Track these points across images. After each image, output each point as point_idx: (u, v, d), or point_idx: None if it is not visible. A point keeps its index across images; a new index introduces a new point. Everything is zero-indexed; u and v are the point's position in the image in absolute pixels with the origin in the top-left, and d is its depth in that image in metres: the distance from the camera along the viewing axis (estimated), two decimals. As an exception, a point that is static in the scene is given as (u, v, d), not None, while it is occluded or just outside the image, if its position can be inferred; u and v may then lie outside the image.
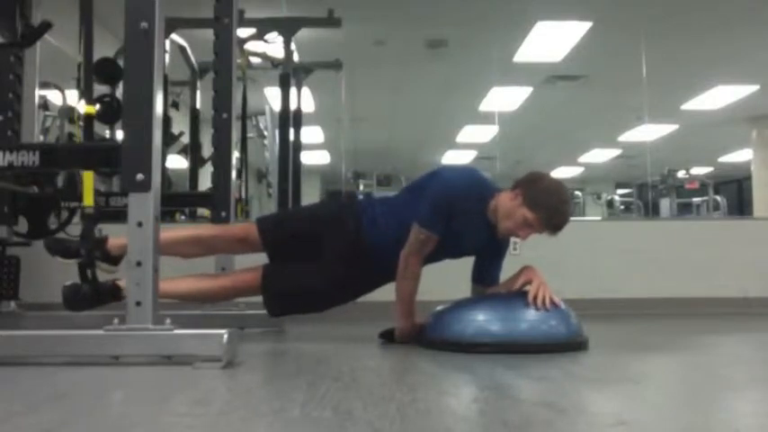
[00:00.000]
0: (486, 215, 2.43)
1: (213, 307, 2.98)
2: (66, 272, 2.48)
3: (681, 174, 9.21)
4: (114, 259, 2.52)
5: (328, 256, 2.52)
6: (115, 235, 2.52)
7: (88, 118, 2.33)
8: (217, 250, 2.78)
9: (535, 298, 2.30)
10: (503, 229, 2.40)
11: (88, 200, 2.31)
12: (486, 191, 2.45)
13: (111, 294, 2.43)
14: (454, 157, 11.61)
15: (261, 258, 2.66)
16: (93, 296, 2.39)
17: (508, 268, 2.54)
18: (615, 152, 11.19)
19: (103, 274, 2.48)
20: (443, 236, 2.41)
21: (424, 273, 2.51)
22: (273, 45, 4.83)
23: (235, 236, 2.73)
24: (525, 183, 2.37)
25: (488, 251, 2.58)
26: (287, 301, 2.57)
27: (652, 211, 9.11)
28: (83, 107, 3.23)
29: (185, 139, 4.93)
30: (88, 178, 2.32)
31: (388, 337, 2.53)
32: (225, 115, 3.15)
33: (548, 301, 2.29)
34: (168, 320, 1.94)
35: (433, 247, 2.44)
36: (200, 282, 2.61)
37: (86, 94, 2.34)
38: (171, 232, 2.53)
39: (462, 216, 2.41)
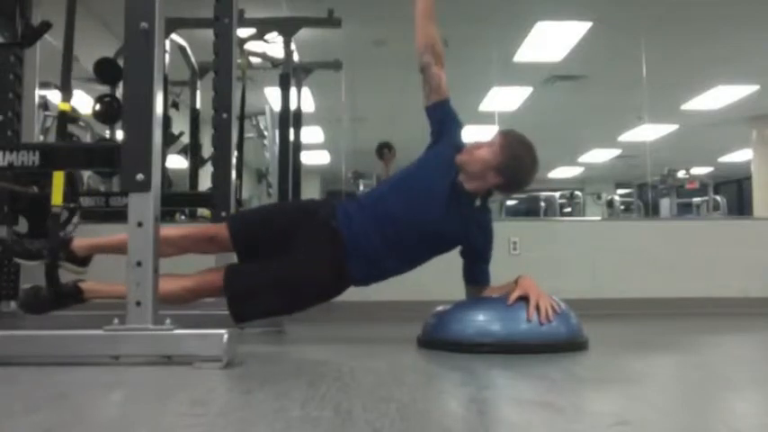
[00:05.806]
0: (453, 159, 2.52)
1: (213, 307, 2.99)
2: (64, 272, 2.44)
3: (681, 174, 9.20)
4: (81, 260, 2.46)
5: (299, 253, 2.40)
6: (90, 236, 2.49)
7: (62, 115, 2.32)
8: (189, 250, 2.60)
9: (538, 310, 2.28)
10: (468, 186, 2.50)
11: (57, 199, 2.28)
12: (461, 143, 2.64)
13: (73, 297, 2.37)
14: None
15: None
16: (54, 299, 2.33)
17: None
18: (615, 152, 11.18)
19: (70, 274, 2.42)
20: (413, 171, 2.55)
21: (424, 273, 2.52)
22: (273, 45, 4.84)
23: (204, 235, 2.58)
24: (507, 149, 2.49)
25: (469, 237, 2.51)
26: (249, 302, 2.37)
27: (652, 211, 9.11)
28: (83, 107, 3.24)
29: (185, 139, 4.94)
30: (58, 177, 2.29)
31: None
32: (225, 115, 3.15)
33: (551, 314, 2.28)
34: (168, 320, 1.94)
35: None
36: (163, 283, 2.33)
37: (64, 92, 2.33)
38: None
39: (441, 138, 2.63)
